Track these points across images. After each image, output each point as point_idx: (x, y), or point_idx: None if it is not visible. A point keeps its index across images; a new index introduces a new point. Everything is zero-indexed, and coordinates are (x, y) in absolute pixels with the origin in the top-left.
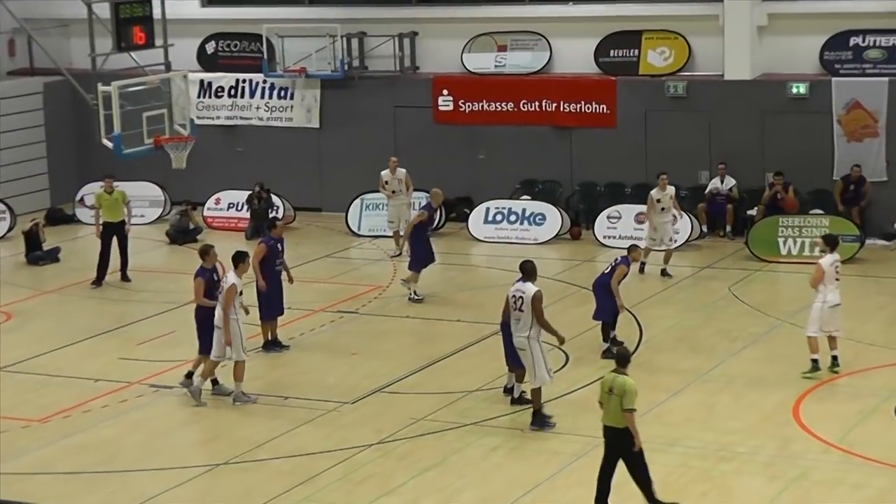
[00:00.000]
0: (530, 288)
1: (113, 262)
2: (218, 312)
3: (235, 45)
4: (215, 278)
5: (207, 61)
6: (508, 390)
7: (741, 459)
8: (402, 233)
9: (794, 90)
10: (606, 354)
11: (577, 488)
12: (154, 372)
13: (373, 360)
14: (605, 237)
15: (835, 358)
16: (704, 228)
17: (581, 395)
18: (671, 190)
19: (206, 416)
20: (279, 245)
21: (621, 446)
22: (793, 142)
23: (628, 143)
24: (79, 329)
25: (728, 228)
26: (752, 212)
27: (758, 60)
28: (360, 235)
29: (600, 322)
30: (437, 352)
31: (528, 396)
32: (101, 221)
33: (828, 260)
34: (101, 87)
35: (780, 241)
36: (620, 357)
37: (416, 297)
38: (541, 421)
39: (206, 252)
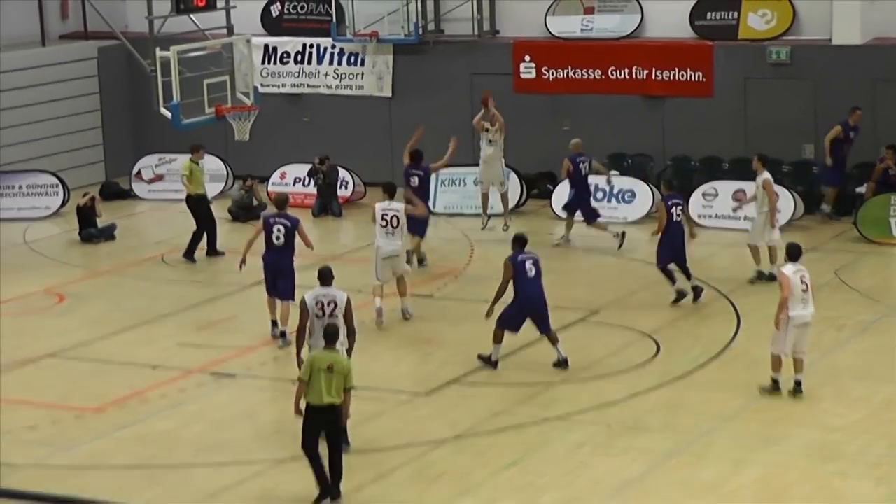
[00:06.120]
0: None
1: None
2: None
3: (302, 8)
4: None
5: (272, 25)
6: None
7: (847, 459)
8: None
9: None
10: None
11: (668, 489)
12: (215, 359)
13: (449, 348)
14: (700, 216)
15: None
16: (825, 207)
17: (672, 388)
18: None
19: (268, 407)
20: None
21: (333, 423)
22: None
23: (726, 113)
24: (135, 312)
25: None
26: (861, 189)
27: (869, 23)
28: (434, 213)
29: None
30: (517, 340)
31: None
32: (188, 193)
33: None
34: (158, 53)
35: (893, 221)
36: (332, 334)
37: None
38: None
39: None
